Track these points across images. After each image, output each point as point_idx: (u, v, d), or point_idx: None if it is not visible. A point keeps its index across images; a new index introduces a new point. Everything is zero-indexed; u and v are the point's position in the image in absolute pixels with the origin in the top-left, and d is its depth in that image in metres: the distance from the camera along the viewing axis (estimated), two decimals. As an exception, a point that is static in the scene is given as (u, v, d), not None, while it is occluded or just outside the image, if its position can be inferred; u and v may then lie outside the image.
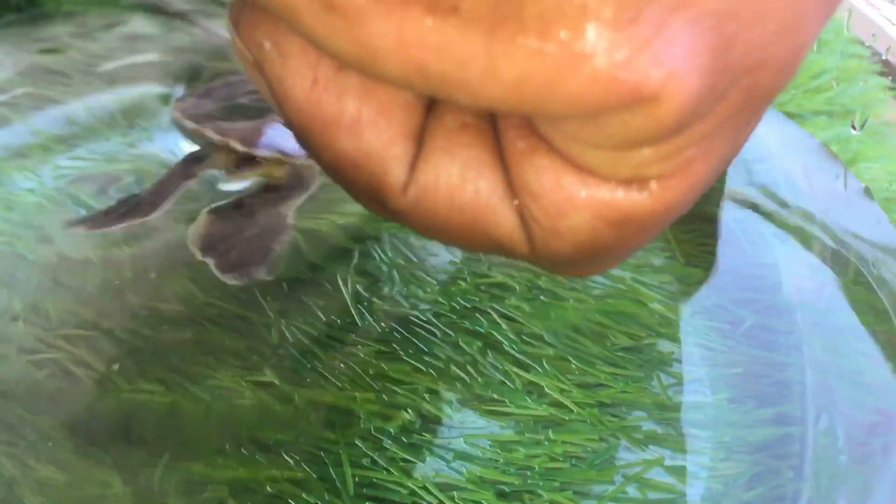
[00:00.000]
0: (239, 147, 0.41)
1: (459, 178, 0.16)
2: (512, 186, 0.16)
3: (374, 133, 0.16)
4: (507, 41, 0.13)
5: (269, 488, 0.33)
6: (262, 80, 0.17)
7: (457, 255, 0.43)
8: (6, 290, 0.39)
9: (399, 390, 0.36)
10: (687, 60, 0.13)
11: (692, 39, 0.13)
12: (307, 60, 0.16)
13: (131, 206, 0.41)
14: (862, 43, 0.68)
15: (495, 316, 0.39)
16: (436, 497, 0.32)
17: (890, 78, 0.66)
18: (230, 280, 0.38)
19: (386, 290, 0.41)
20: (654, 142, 0.15)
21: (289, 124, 0.17)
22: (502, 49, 0.13)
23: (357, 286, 0.41)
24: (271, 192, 0.41)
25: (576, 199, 0.15)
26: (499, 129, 0.16)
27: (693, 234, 0.44)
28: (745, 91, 0.15)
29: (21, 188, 0.44)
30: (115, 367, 0.37)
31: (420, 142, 0.16)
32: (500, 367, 0.37)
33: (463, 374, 0.37)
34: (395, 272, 0.42)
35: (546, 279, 0.41)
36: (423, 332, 0.39)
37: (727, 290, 0.41)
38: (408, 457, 0.34)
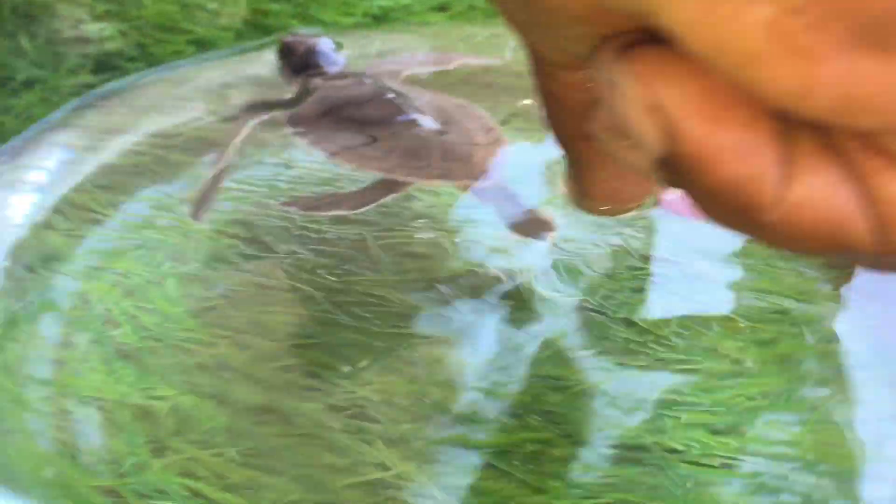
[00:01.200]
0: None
1: (824, 194, 0.19)
2: (868, 197, 0.19)
3: (758, 159, 0.19)
4: None
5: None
6: (650, 124, 0.19)
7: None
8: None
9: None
10: None
11: None
12: (706, 98, 0.18)
13: (337, 199, 0.47)
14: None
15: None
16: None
17: None
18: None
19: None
20: None
21: (675, 158, 0.19)
22: None
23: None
24: None
25: None
26: (848, 146, 0.19)
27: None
28: None
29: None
30: (363, 364, 0.42)
31: (788, 163, 0.19)
32: (684, 332, 0.43)
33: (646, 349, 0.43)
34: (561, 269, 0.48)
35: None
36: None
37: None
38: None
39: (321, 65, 0.57)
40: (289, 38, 0.58)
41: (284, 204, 0.49)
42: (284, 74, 0.58)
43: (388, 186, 0.47)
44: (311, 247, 0.48)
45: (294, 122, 0.50)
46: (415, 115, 0.49)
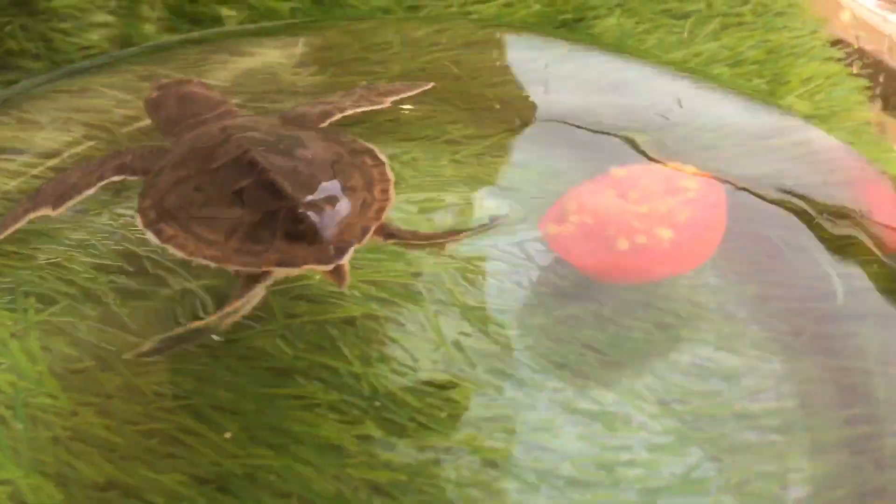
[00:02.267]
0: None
1: None
2: None
3: None
4: None
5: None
6: None
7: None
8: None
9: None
10: None
11: None
12: None
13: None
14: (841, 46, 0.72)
15: (578, 346, 0.42)
16: None
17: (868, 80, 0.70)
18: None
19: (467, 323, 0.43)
20: None
21: None
22: None
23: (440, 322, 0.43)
24: None
25: None
26: None
27: (742, 251, 0.47)
28: None
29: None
30: (227, 435, 0.39)
31: None
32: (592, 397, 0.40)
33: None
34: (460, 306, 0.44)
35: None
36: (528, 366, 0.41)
37: (783, 302, 0.44)
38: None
39: (200, 112, 0.49)
40: (153, 94, 0.50)
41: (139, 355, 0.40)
42: (162, 132, 0.49)
43: (248, 280, 0.40)
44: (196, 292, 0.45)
45: (142, 194, 0.43)
46: (274, 178, 0.40)
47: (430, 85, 0.53)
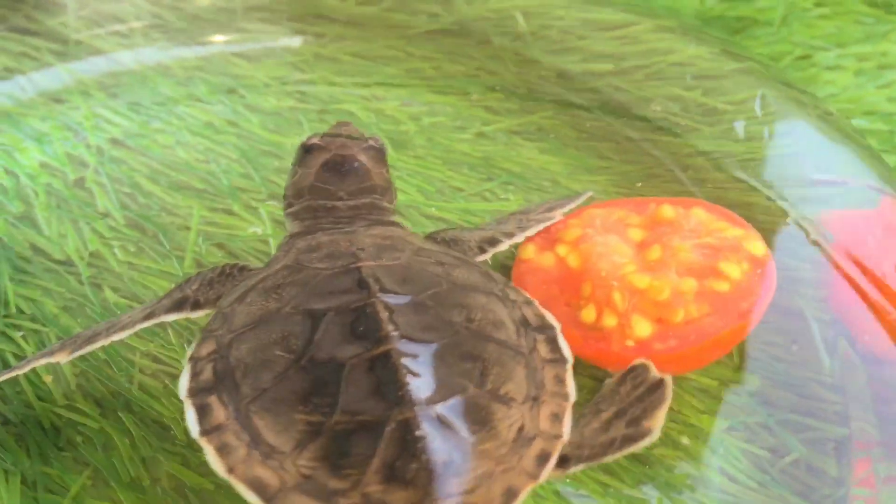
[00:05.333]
0: None
1: None
2: None
3: None
4: None
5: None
6: None
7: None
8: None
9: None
10: None
11: None
12: None
13: None
14: None
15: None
16: None
17: None
18: None
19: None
20: None
21: None
22: None
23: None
24: None
25: None
26: None
27: (767, 326, 0.38)
28: None
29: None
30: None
31: None
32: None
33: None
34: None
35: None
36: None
37: (779, 410, 0.36)
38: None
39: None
40: (314, 141, 0.38)
41: None
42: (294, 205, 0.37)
43: None
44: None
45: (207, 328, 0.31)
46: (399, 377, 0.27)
47: (588, 194, 0.42)
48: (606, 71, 0.52)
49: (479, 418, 0.27)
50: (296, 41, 0.56)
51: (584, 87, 0.52)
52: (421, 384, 0.27)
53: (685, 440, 0.35)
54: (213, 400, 0.28)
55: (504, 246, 0.38)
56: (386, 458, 0.25)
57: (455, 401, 0.27)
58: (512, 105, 0.51)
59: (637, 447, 0.28)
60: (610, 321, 0.35)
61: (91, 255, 0.42)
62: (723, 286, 0.36)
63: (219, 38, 0.56)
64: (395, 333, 0.28)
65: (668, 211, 0.39)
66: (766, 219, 0.42)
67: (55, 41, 0.55)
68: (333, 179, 0.37)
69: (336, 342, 0.28)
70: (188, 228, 0.43)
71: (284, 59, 0.54)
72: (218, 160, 0.47)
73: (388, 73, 0.53)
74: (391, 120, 0.50)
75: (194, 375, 0.29)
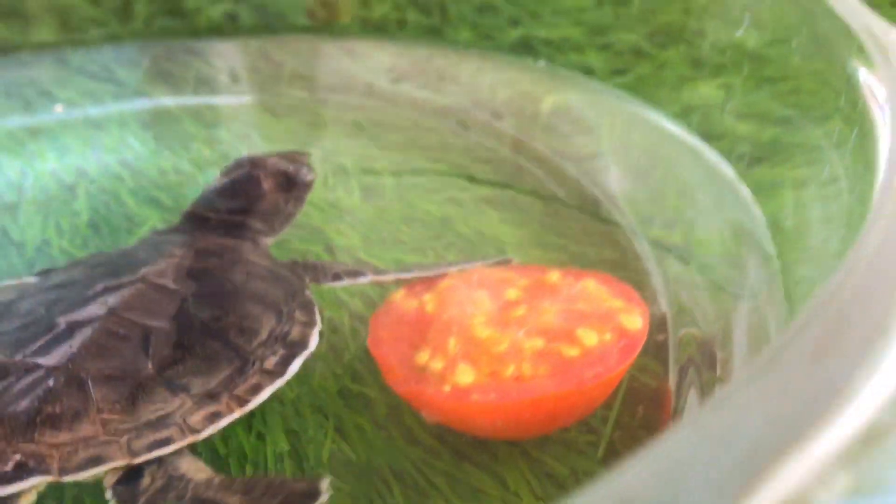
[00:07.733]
0: None
1: None
2: None
3: None
4: None
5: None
6: None
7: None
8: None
9: None
10: None
11: None
12: None
13: None
14: None
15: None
16: None
17: None
18: None
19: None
20: None
21: None
22: None
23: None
24: None
25: None
26: None
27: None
28: None
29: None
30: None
31: None
32: None
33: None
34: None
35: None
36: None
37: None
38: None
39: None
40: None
41: None
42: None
43: None
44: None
45: None
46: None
47: (508, 258, 0.41)
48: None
49: (127, 395, 0.27)
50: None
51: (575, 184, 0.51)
52: (90, 351, 0.28)
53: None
54: None
55: (365, 280, 0.37)
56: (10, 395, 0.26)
57: (115, 372, 0.27)
58: (494, 177, 0.51)
59: None
60: (437, 365, 0.33)
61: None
62: (571, 351, 0.33)
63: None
64: (105, 306, 0.29)
65: (554, 277, 0.37)
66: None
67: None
68: (226, 195, 0.39)
69: (67, 306, 0.30)
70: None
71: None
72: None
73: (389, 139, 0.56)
74: (373, 172, 0.52)
75: None
